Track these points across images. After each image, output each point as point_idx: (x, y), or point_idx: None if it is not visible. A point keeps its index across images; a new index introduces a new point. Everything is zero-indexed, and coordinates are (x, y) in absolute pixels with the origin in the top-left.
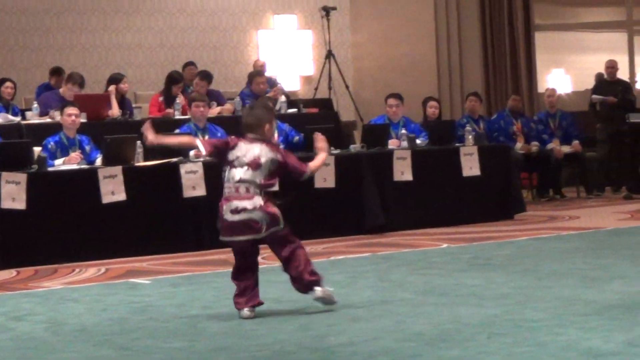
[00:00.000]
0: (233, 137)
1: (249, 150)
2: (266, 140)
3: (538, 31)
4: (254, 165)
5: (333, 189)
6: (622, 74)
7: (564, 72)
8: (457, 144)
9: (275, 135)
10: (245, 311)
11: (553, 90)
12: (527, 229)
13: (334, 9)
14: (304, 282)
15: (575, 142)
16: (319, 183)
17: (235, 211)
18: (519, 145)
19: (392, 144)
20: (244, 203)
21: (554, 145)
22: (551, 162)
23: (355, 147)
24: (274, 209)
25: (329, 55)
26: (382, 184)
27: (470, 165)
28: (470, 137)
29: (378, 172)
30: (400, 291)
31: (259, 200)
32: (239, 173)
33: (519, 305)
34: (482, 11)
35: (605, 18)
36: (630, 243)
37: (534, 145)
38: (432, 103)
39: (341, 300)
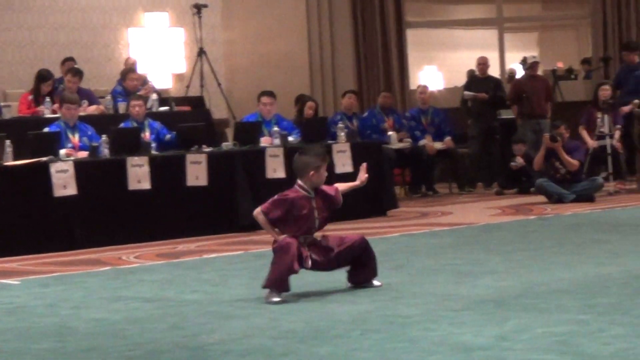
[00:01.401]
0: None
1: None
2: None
3: (410, 28)
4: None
5: (205, 187)
6: (493, 71)
7: (436, 69)
8: (329, 141)
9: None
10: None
11: (425, 87)
12: (399, 225)
13: (206, 6)
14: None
15: (447, 139)
16: (191, 181)
17: None
18: (395, 140)
19: (264, 141)
20: None
21: (426, 141)
22: (423, 158)
23: (228, 144)
24: None
25: (201, 52)
26: (254, 181)
27: (343, 162)
28: (342, 134)
29: (250, 169)
30: None
31: None
32: None
33: (392, 301)
34: (354, 8)
35: (475, 15)
36: (501, 238)
37: (406, 141)
38: (311, 104)
39: (213, 298)
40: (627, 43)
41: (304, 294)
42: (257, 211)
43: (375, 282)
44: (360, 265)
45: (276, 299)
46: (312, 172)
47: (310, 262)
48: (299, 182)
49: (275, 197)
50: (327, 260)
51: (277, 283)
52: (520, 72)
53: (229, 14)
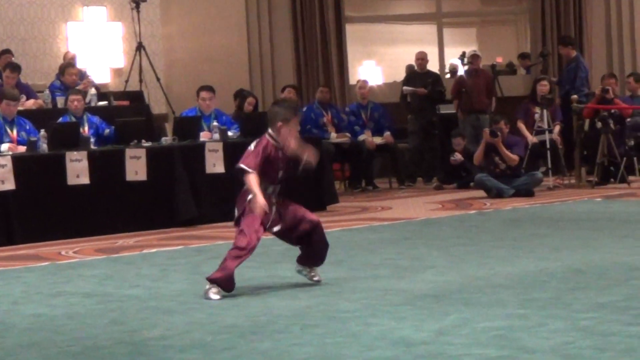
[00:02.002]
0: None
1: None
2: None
3: (349, 23)
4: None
5: (145, 182)
6: (432, 66)
7: (375, 63)
8: None
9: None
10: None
11: (364, 81)
12: (339, 220)
13: (144, 0)
14: None
15: (387, 134)
16: (130, 176)
17: None
18: (334, 135)
19: (203, 136)
20: None
21: (365, 136)
22: (363, 153)
23: (167, 139)
24: None
25: (140, 47)
26: (194, 176)
27: None
28: None
29: (190, 164)
30: None
31: None
32: None
33: (332, 297)
34: (293, 3)
35: (415, 10)
36: (441, 233)
37: (345, 136)
38: (251, 100)
39: (153, 293)
40: (562, 38)
41: (244, 289)
42: (247, 175)
43: (316, 278)
44: (311, 248)
45: (216, 297)
46: (279, 124)
47: (278, 227)
48: (270, 131)
49: (251, 150)
50: (285, 231)
51: (225, 283)
52: (461, 67)
53: (167, 8)
